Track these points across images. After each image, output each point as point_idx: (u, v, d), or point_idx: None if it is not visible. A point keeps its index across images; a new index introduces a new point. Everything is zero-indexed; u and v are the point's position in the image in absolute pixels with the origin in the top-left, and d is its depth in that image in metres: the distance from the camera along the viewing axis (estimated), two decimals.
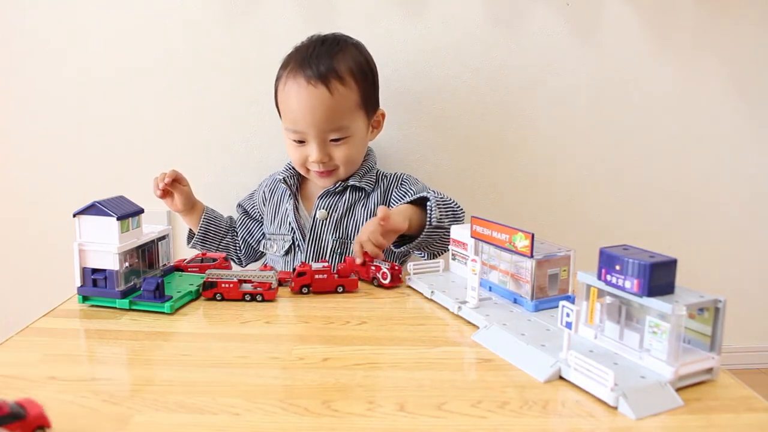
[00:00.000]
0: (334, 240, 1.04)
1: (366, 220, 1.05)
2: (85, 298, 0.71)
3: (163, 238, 0.79)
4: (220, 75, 1.34)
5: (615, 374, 0.46)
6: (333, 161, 1.01)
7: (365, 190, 1.07)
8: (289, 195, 1.10)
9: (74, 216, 0.69)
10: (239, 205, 1.21)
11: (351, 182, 1.06)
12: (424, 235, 0.90)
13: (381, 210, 0.83)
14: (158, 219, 1.38)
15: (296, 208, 1.09)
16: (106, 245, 0.69)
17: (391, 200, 1.07)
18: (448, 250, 0.87)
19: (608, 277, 0.53)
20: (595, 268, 0.55)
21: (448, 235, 0.85)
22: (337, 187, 1.06)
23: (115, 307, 0.70)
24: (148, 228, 0.77)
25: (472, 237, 0.72)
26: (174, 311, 0.69)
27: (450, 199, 0.97)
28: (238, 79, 1.35)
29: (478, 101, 1.37)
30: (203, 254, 0.86)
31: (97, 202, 0.69)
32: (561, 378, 0.52)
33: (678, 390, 0.48)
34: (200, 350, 0.59)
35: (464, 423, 0.45)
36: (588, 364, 0.48)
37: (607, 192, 1.44)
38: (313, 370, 0.54)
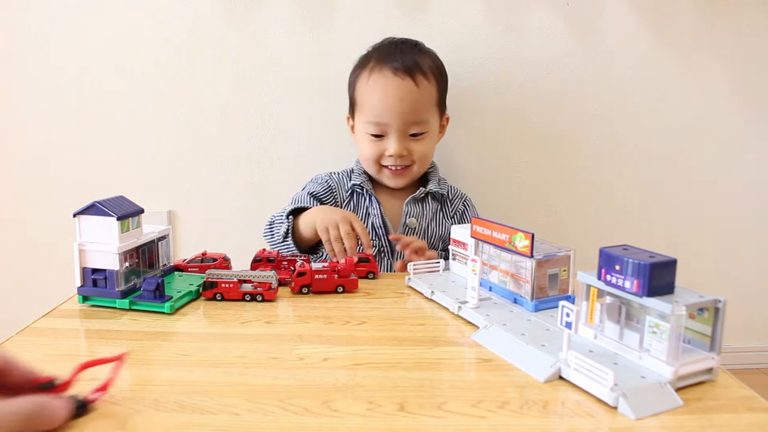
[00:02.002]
0: None
1: (446, 229, 1.07)
2: (85, 298, 0.71)
3: (163, 238, 0.79)
4: (221, 74, 1.35)
5: (615, 374, 0.46)
6: (410, 156, 1.03)
7: (443, 195, 1.10)
8: (371, 198, 1.08)
9: (74, 216, 0.69)
10: (315, 197, 1.08)
11: (431, 188, 1.08)
12: None
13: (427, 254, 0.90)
14: (158, 219, 1.38)
15: (382, 214, 1.07)
16: (106, 245, 0.69)
17: (454, 217, 1.10)
18: None
19: (608, 277, 0.53)
20: (595, 268, 0.55)
21: None
22: (422, 193, 1.07)
23: (115, 307, 0.70)
24: (148, 228, 0.77)
25: (472, 237, 0.72)
26: (174, 311, 0.69)
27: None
28: (239, 78, 1.35)
29: (478, 101, 1.37)
30: (203, 254, 0.86)
31: (97, 202, 0.69)
32: (561, 378, 0.52)
33: (678, 390, 0.48)
34: (200, 350, 0.59)
35: (464, 423, 0.45)
36: (588, 364, 0.49)
37: (607, 192, 1.44)
38: (313, 370, 0.54)
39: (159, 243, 0.78)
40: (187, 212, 1.40)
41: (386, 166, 1.05)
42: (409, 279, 0.81)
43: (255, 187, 1.39)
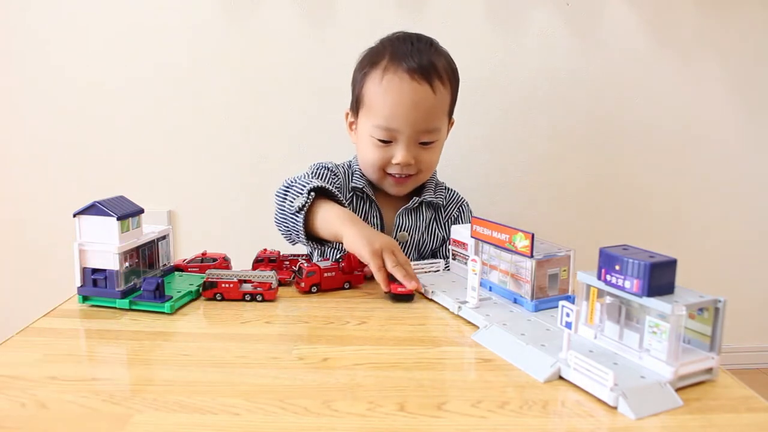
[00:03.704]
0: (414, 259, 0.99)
1: (441, 239, 1.02)
2: (85, 298, 0.71)
3: (163, 238, 0.79)
4: (221, 74, 1.35)
5: (615, 374, 0.46)
6: (417, 165, 0.95)
7: (439, 204, 1.03)
8: (371, 206, 1.01)
9: (74, 216, 0.69)
10: (330, 170, 1.01)
11: (426, 197, 1.01)
12: None
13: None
14: (158, 219, 1.38)
15: (382, 223, 1.01)
16: (106, 245, 0.69)
17: (447, 224, 1.03)
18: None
19: (608, 277, 0.53)
20: (595, 268, 0.55)
21: None
22: (415, 203, 1.00)
23: (115, 307, 0.70)
24: (148, 228, 0.77)
25: (472, 237, 0.72)
26: (174, 311, 0.69)
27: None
28: (239, 78, 1.35)
29: (479, 101, 1.37)
30: (203, 254, 0.86)
31: (98, 202, 0.69)
32: (561, 378, 0.52)
33: (678, 390, 0.48)
34: (200, 350, 0.59)
35: (464, 423, 0.45)
36: (588, 364, 0.49)
37: (607, 191, 1.44)
38: (313, 370, 0.54)
39: (159, 243, 0.78)
40: (187, 212, 1.41)
41: (390, 174, 0.97)
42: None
43: (255, 187, 1.39)
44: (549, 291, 0.67)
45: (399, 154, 0.93)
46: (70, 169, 1.39)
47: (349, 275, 0.80)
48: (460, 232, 0.82)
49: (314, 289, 0.78)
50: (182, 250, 1.40)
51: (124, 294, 0.70)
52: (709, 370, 0.51)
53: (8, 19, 1.32)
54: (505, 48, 1.35)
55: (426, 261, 0.85)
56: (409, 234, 1.00)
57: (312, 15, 1.32)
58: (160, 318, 0.68)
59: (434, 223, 1.03)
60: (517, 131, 1.40)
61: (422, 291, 0.77)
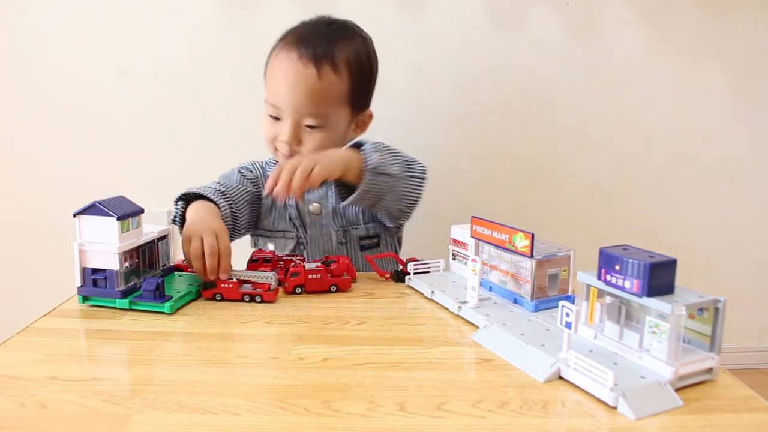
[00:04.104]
0: (336, 230, 0.99)
1: None
2: (85, 298, 0.71)
3: (163, 238, 0.79)
4: (221, 74, 1.35)
5: (615, 374, 0.46)
6: (301, 148, 0.94)
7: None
8: None
9: (74, 216, 0.69)
10: (244, 176, 1.03)
11: None
12: (367, 184, 0.83)
13: (307, 160, 0.77)
14: (158, 219, 1.38)
15: (297, 203, 1.00)
16: (106, 245, 0.69)
17: None
18: (412, 207, 0.84)
19: (608, 277, 0.53)
20: (595, 268, 0.55)
21: (406, 188, 0.82)
22: None
23: (115, 307, 0.70)
24: (148, 228, 0.77)
25: (472, 237, 0.72)
26: (174, 311, 0.69)
27: (398, 151, 0.91)
28: (239, 78, 1.35)
29: (479, 101, 1.37)
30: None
31: (98, 202, 0.69)
32: (561, 378, 0.52)
33: (678, 390, 0.48)
34: (200, 350, 0.59)
35: (464, 423, 0.45)
36: (588, 364, 0.49)
37: (607, 192, 1.44)
38: (313, 370, 0.54)
39: (159, 243, 0.78)
40: None
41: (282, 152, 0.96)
42: (409, 279, 0.81)
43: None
44: (549, 291, 0.67)
45: (284, 133, 0.92)
46: (70, 169, 1.39)
47: (337, 278, 0.78)
48: (460, 232, 0.82)
49: (298, 290, 0.77)
50: (182, 251, 1.40)
51: (124, 294, 0.70)
52: (709, 370, 0.51)
53: (8, 19, 1.32)
54: (504, 48, 1.35)
55: (426, 261, 0.84)
56: (321, 204, 0.98)
57: (312, 15, 1.32)
58: (161, 318, 0.68)
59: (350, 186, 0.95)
60: (517, 131, 1.40)
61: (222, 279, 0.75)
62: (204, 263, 0.75)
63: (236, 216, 0.95)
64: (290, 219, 1.00)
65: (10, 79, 1.35)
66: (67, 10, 1.32)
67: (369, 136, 1.01)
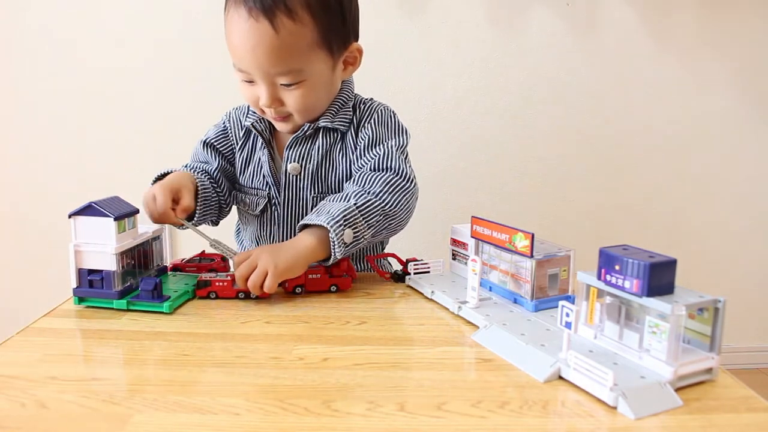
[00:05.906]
0: (313, 196, 0.91)
1: (347, 168, 0.90)
2: (81, 300, 0.71)
3: (156, 238, 0.79)
4: (221, 74, 1.35)
5: (614, 374, 0.46)
6: (285, 108, 0.85)
7: (340, 130, 0.90)
8: (262, 143, 0.91)
9: (69, 217, 0.69)
10: (209, 145, 0.97)
11: (322, 123, 0.89)
12: (345, 254, 0.77)
13: (260, 266, 0.72)
14: None
15: (271, 159, 0.92)
16: (102, 246, 0.68)
17: (358, 150, 0.90)
18: (404, 225, 0.83)
19: (608, 277, 0.53)
20: (595, 268, 0.55)
21: (393, 221, 0.80)
22: (307, 131, 0.88)
23: (112, 308, 0.70)
24: (142, 228, 0.77)
25: (472, 237, 0.72)
26: (173, 311, 0.69)
27: (378, 198, 0.81)
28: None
29: (479, 101, 1.37)
30: (202, 254, 0.86)
31: (94, 203, 0.68)
32: (561, 378, 0.52)
33: (677, 390, 0.48)
34: (200, 350, 0.59)
35: (464, 423, 0.45)
36: (588, 364, 0.49)
37: (607, 191, 1.44)
38: (313, 370, 0.54)
39: (153, 243, 0.78)
40: None
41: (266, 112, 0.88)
42: (409, 279, 0.81)
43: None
44: (549, 291, 0.67)
45: (262, 96, 0.83)
46: (70, 169, 1.39)
47: (337, 278, 0.78)
48: (460, 232, 0.82)
49: (298, 290, 0.77)
50: (182, 250, 1.40)
51: (121, 294, 0.70)
52: (709, 370, 0.51)
53: (8, 19, 1.32)
54: (504, 48, 1.35)
55: (426, 261, 0.84)
56: (301, 165, 0.89)
57: None
58: (160, 318, 0.68)
59: (336, 152, 0.90)
60: (517, 131, 1.40)
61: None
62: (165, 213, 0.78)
63: (216, 184, 0.91)
64: (263, 177, 0.92)
65: (10, 79, 1.35)
66: (67, 11, 1.32)
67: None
